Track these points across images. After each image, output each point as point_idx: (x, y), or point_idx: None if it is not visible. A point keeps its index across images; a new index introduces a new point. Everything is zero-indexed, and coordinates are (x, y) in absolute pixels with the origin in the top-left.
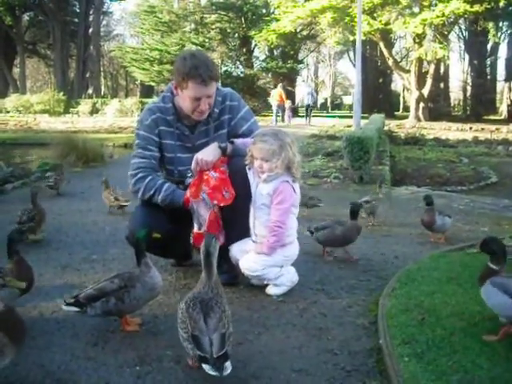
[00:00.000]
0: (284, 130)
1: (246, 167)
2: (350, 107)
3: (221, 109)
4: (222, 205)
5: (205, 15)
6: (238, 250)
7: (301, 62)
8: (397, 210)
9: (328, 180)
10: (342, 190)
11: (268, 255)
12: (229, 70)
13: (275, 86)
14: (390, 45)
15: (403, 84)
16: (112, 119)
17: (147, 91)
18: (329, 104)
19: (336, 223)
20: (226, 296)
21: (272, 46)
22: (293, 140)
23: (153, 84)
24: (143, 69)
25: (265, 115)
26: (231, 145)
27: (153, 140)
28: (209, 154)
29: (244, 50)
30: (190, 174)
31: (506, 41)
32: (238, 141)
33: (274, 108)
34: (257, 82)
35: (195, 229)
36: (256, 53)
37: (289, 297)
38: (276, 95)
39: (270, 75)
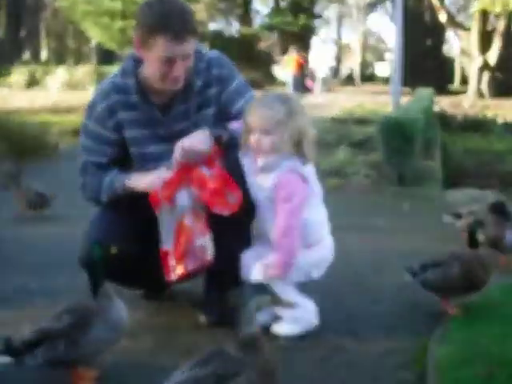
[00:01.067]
0: (293, 95)
1: (240, 152)
2: (387, 80)
3: (205, 80)
4: (225, 213)
5: None
6: (254, 257)
7: (318, 16)
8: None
9: (355, 180)
10: (375, 195)
11: (283, 275)
12: (219, 28)
13: (284, 51)
14: None
15: (461, 47)
16: (57, 95)
17: (106, 57)
18: (357, 75)
19: (452, 257)
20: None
21: None
22: (304, 107)
23: (114, 47)
24: (100, 25)
25: (268, 90)
26: (225, 131)
27: (105, 138)
28: (199, 140)
29: (239, 0)
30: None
31: None
32: (235, 125)
33: (290, 80)
34: (257, 44)
35: (162, 246)
36: (256, 4)
37: (303, 340)
38: (291, 63)
39: (275, 35)
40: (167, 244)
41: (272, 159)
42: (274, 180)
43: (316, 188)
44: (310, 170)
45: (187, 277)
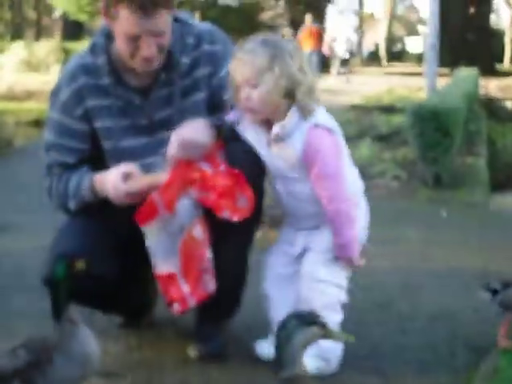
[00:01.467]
0: (281, 37)
1: (236, 119)
2: (420, 58)
3: (194, 58)
4: (235, 219)
5: None
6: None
7: None
8: (494, 233)
9: (382, 182)
10: (406, 200)
11: (354, 263)
12: None
13: (292, 24)
14: None
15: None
16: (13, 77)
17: (73, 30)
18: (382, 53)
19: None
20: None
21: None
22: (297, 48)
23: (82, 18)
24: None
25: None
26: (221, 121)
27: (72, 131)
28: (198, 131)
29: None
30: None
31: None
32: (231, 117)
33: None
34: (259, 14)
35: (158, 270)
36: None
37: (322, 380)
38: (307, 37)
39: (281, 4)
40: (168, 265)
41: (289, 123)
42: (300, 146)
43: (341, 145)
44: (323, 117)
45: (205, 300)
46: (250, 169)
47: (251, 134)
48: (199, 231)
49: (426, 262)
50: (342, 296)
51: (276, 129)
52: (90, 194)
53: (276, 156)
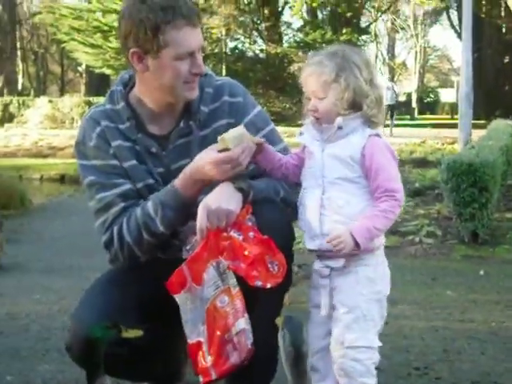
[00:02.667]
0: (348, 48)
1: (299, 132)
2: (453, 108)
3: (214, 108)
4: (268, 286)
5: None
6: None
7: (365, 31)
8: None
9: (416, 239)
10: (441, 258)
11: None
12: (240, 46)
13: None
14: None
15: None
16: (37, 133)
17: (99, 84)
18: (415, 103)
19: None
20: None
21: (315, 5)
22: (367, 61)
23: (108, 72)
24: (91, 45)
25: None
26: (246, 184)
27: (111, 167)
28: (225, 198)
29: (266, 11)
30: (188, 247)
31: None
32: (258, 184)
33: None
34: (287, 66)
35: (189, 339)
36: (287, 17)
37: None
38: None
39: (311, 53)
40: (196, 335)
41: (346, 120)
42: (359, 144)
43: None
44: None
45: (228, 374)
46: (280, 231)
47: (308, 132)
48: (225, 301)
49: (465, 324)
50: (375, 357)
51: (339, 120)
52: (175, 202)
53: (329, 155)
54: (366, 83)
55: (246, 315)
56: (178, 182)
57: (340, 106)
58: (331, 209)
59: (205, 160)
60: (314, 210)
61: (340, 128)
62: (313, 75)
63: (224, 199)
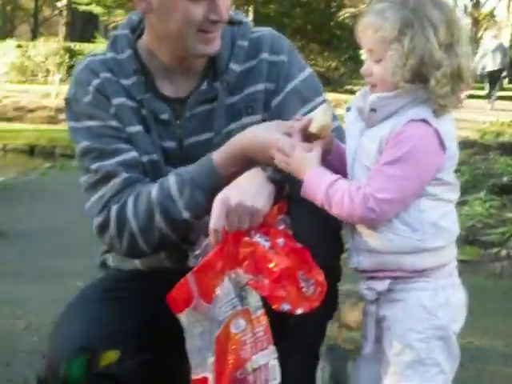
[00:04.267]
0: None
1: (347, 106)
2: None
3: (249, 67)
4: (299, 312)
5: None
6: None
7: None
8: None
9: (502, 253)
10: None
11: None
12: None
13: None
14: None
15: None
16: (1, 87)
17: (84, 26)
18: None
19: None
20: None
21: None
22: (450, 18)
23: (96, 11)
24: None
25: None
26: (281, 174)
27: (112, 129)
28: (252, 192)
29: None
30: (197, 252)
31: None
32: None
33: None
34: (336, 12)
35: (193, 373)
36: None
37: None
38: None
39: None
40: (202, 368)
41: (387, 98)
42: (387, 130)
43: (447, 168)
44: (448, 128)
45: None
46: (322, 241)
47: (351, 116)
48: (240, 326)
49: None
50: None
51: (373, 99)
52: (210, 182)
53: (361, 145)
54: (440, 48)
55: (272, 347)
56: (217, 158)
57: (399, 74)
58: None
59: (273, 141)
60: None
61: (373, 110)
62: (370, 28)
63: (250, 193)
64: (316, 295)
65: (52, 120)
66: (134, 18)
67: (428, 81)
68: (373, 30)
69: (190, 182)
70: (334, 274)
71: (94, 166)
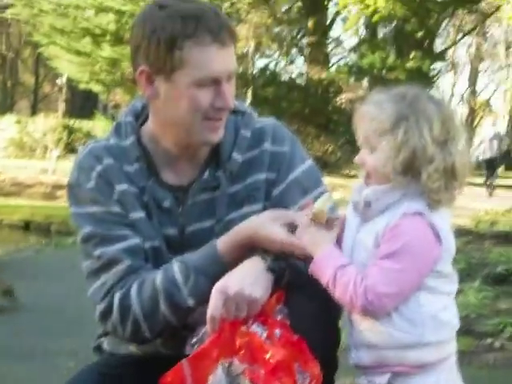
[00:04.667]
0: (432, 95)
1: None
2: None
3: (250, 157)
4: None
5: None
6: None
7: (440, 57)
8: None
9: (496, 344)
10: None
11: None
12: (272, 66)
13: None
14: None
15: None
16: None
17: (83, 104)
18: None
19: None
20: None
21: (376, 19)
22: (447, 115)
23: (96, 89)
24: (77, 52)
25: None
26: (279, 263)
27: (115, 215)
28: (250, 281)
29: (310, 23)
30: (194, 340)
31: None
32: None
33: None
34: (334, 97)
35: None
36: (337, 31)
37: None
38: None
39: (364, 84)
40: None
41: (381, 192)
42: (383, 223)
43: (444, 263)
44: (443, 221)
45: None
46: (318, 333)
47: (349, 211)
48: None
49: None
50: None
51: (367, 193)
52: (214, 268)
53: (358, 241)
54: (433, 144)
55: None
56: (222, 245)
57: (391, 166)
58: (358, 314)
59: (280, 234)
60: (345, 315)
61: (368, 204)
62: (366, 118)
63: (248, 282)
64: None
65: (48, 196)
66: (137, 104)
67: (420, 174)
68: (369, 119)
69: (195, 269)
70: (330, 365)
71: (96, 252)
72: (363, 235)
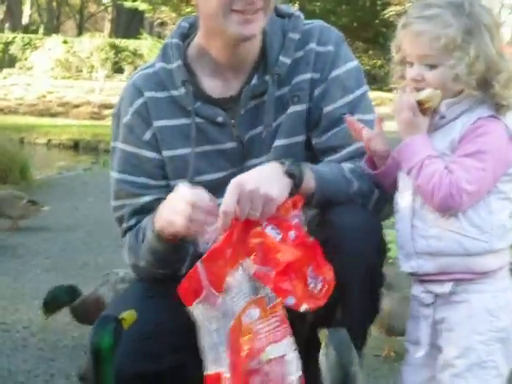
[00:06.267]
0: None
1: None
2: None
3: (297, 58)
4: (303, 308)
5: None
6: None
7: None
8: None
9: None
10: None
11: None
12: None
13: None
14: None
15: None
16: (46, 83)
17: (129, 22)
18: None
19: None
20: None
21: None
22: (498, 22)
23: (142, 7)
24: None
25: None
26: (310, 171)
27: (142, 163)
28: (267, 180)
29: None
30: (207, 236)
31: None
32: (322, 169)
33: None
34: (382, 9)
35: (208, 368)
36: None
37: None
38: None
39: None
40: (216, 364)
41: (453, 103)
42: (458, 129)
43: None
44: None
45: None
46: (364, 242)
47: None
48: (254, 315)
49: None
50: None
51: (443, 107)
52: (152, 236)
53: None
54: (497, 54)
55: (289, 340)
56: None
57: (464, 81)
58: (424, 220)
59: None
60: (405, 221)
61: (443, 117)
62: (426, 35)
63: (265, 181)
64: (322, 293)
65: (96, 116)
66: (184, 24)
67: (490, 85)
68: (431, 36)
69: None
70: (376, 277)
71: (115, 203)
72: (435, 142)
